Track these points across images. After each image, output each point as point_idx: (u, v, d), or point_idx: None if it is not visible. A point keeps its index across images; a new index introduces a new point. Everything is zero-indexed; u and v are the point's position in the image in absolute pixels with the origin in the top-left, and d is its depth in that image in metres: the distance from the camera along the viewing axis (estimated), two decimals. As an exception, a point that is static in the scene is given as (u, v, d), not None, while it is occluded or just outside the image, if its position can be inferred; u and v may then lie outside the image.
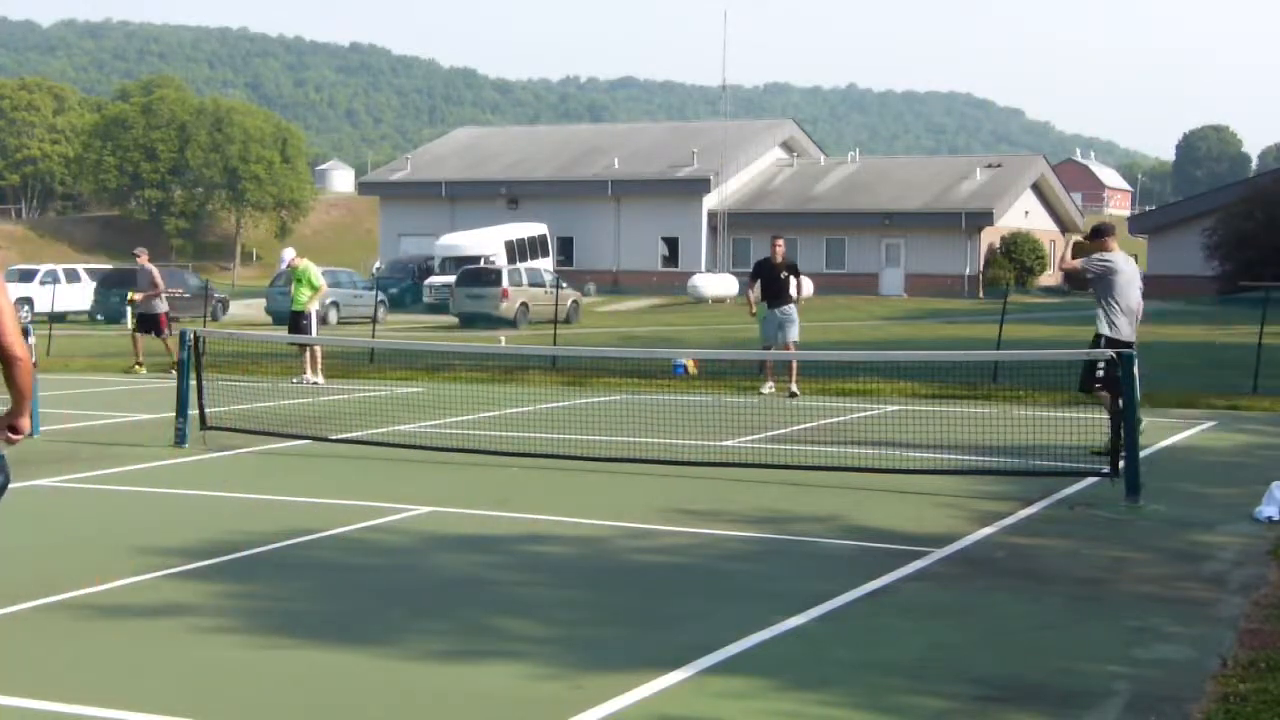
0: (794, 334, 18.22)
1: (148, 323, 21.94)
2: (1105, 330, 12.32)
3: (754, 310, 18.62)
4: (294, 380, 19.57)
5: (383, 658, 6.14)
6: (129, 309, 22.85)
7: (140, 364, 21.81)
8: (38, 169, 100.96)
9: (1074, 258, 12.88)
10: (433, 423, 14.69)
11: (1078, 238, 13.59)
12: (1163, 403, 16.87)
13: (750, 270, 19.58)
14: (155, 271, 22.14)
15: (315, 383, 19.37)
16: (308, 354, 19.86)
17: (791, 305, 18.22)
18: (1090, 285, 12.52)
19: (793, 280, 18.24)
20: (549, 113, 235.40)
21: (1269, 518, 9.54)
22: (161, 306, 21.86)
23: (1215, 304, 47.99)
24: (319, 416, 15.51)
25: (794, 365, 18.31)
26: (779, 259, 18.35)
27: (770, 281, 18.29)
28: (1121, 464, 10.27)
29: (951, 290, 59.35)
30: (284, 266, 21.08)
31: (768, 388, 18.19)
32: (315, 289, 20.39)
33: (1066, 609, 7.19)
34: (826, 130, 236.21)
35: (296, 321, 20.24)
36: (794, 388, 17.94)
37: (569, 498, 10.43)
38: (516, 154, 71.54)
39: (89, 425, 14.74)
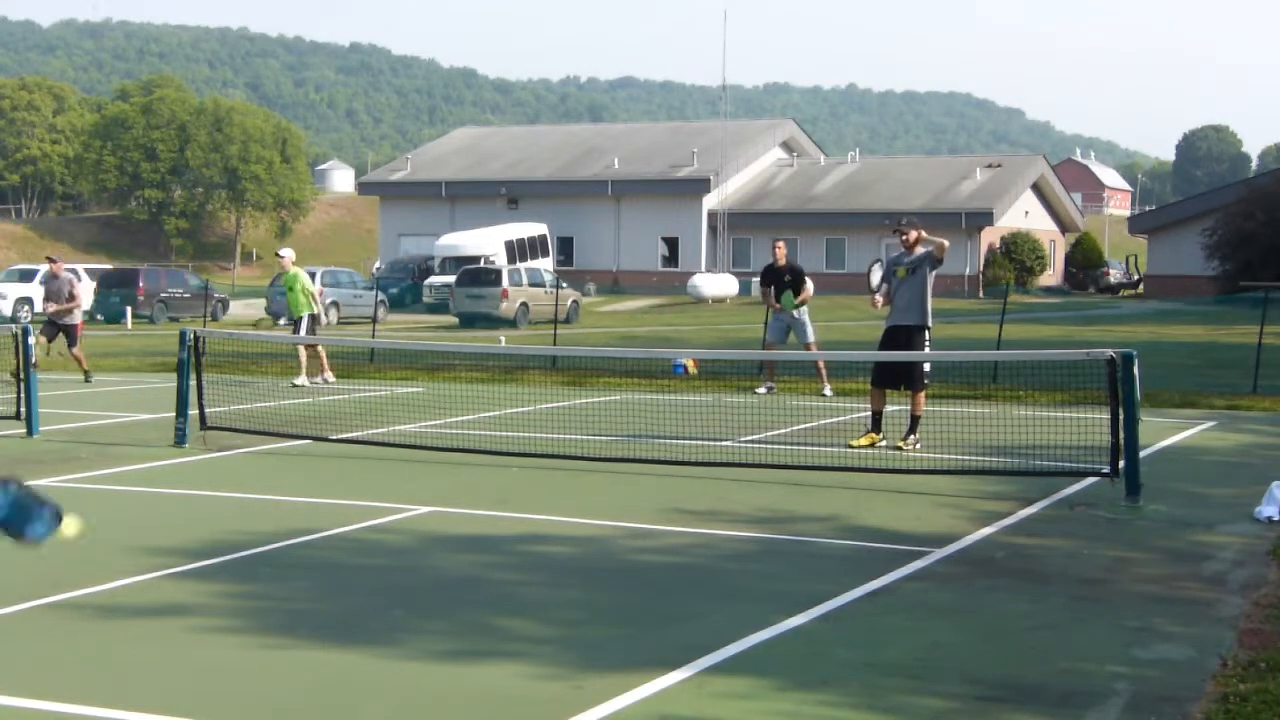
0: (807, 335, 18.01)
1: (57, 330, 20.86)
2: (930, 322, 12.71)
3: (779, 307, 18.14)
4: (314, 381, 19.47)
5: (383, 658, 6.14)
6: (44, 325, 20.97)
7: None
8: (38, 169, 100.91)
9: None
10: (433, 423, 14.69)
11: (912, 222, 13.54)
12: (1163, 403, 16.88)
13: (759, 274, 19.52)
14: (73, 281, 21.57)
15: (301, 385, 19.13)
16: (305, 355, 19.76)
17: (799, 310, 17.99)
18: (920, 271, 12.82)
19: (800, 284, 18.03)
20: (549, 113, 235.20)
21: (1269, 518, 9.53)
22: (78, 317, 21.05)
23: (1215, 304, 47.98)
24: (319, 416, 15.51)
25: (820, 366, 18.16)
26: (780, 262, 18.30)
27: (777, 285, 18.16)
28: (1122, 464, 10.28)
29: (951, 290, 59.33)
30: (280, 254, 20.77)
31: (763, 388, 18.15)
32: (308, 294, 20.07)
33: (1066, 609, 7.18)
34: (826, 130, 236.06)
35: (298, 327, 20.14)
36: (826, 390, 17.80)
37: (569, 498, 10.43)
38: (516, 154, 71.57)
39: (89, 425, 14.73)
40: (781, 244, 18.71)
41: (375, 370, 22.02)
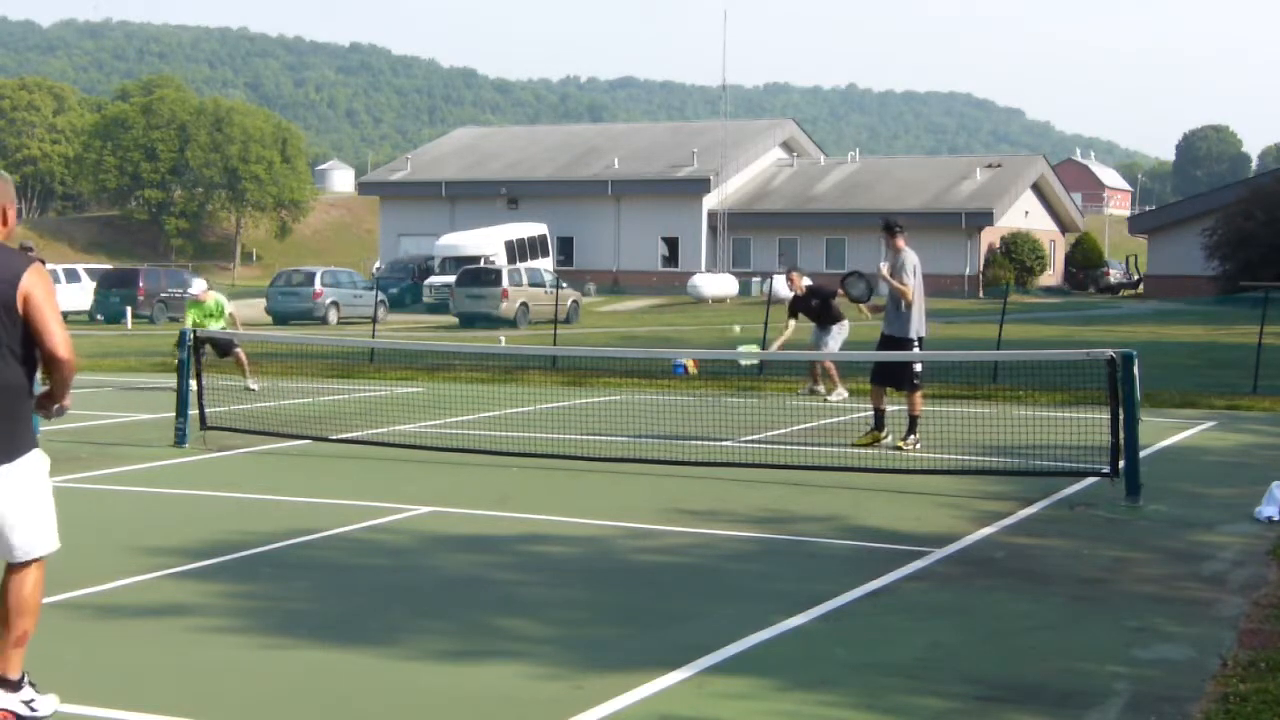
0: (830, 344, 17.85)
1: None
2: (921, 331, 12.75)
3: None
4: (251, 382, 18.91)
5: (383, 658, 6.14)
6: None
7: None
8: (38, 169, 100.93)
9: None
10: (433, 423, 14.69)
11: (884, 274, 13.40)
12: (1163, 403, 16.88)
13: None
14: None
15: (252, 389, 18.22)
16: (245, 358, 18.69)
17: (834, 325, 17.84)
18: (899, 278, 12.89)
19: (830, 308, 17.83)
20: (549, 113, 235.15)
21: (1269, 518, 9.54)
22: None
23: (1215, 304, 47.97)
24: (319, 416, 15.51)
25: (832, 371, 18.10)
26: (800, 291, 18.08)
27: (808, 312, 18.00)
28: (1122, 464, 10.28)
29: (951, 290, 59.34)
30: (195, 294, 19.08)
31: (836, 394, 17.90)
32: (230, 316, 19.00)
33: (1066, 609, 7.19)
34: (826, 130, 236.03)
35: (228, 348, 18.55)
36: (835, 395, 17.75)
37: (569, 498, 10.44)
38: (516, 154, 71.56)
39: (89, 425, 14.72)
40: (795, 274, 18.40)
41: (375, 370, 22.02)
